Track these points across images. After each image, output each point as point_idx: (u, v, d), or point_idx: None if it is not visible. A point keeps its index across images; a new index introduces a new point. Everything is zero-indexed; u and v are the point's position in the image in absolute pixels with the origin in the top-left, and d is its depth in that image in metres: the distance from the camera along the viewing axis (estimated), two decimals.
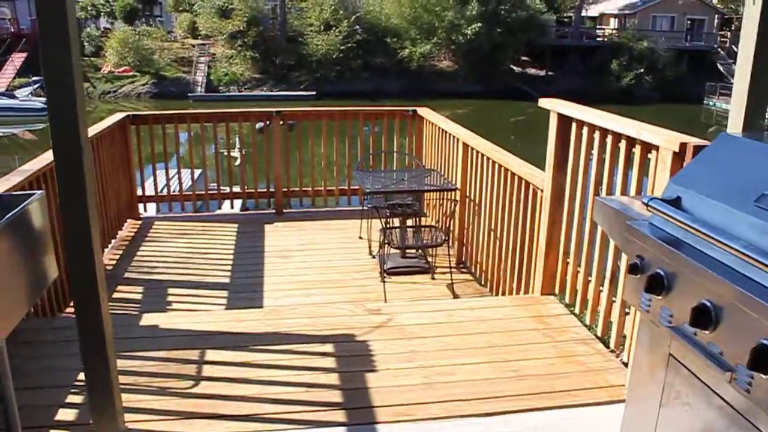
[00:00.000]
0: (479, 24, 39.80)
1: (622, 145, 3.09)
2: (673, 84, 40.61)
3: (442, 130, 6.03)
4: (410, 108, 6.92)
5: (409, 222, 5.53)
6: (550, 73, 43.65)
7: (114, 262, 5.69)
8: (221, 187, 7.04)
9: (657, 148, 2.75)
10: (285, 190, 7.01)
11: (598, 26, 50.53)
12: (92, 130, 5.63)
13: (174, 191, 7.03)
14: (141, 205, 6.90)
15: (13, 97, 34.77)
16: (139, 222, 6.73)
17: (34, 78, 38.88)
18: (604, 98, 32.82)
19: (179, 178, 6.92)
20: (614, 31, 47.15)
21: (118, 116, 6.46)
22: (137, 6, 47.96)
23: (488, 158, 4.73)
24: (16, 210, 2.01)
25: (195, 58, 42.00)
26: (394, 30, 41.73)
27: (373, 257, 5.69)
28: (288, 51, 40.53)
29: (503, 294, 4.57)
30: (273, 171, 6.91)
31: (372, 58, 41.17)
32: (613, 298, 3.25)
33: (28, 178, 3.68)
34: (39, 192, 2.20)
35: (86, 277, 2.10)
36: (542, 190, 3.82)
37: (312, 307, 4.09)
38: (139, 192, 6.88)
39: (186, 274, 5.39)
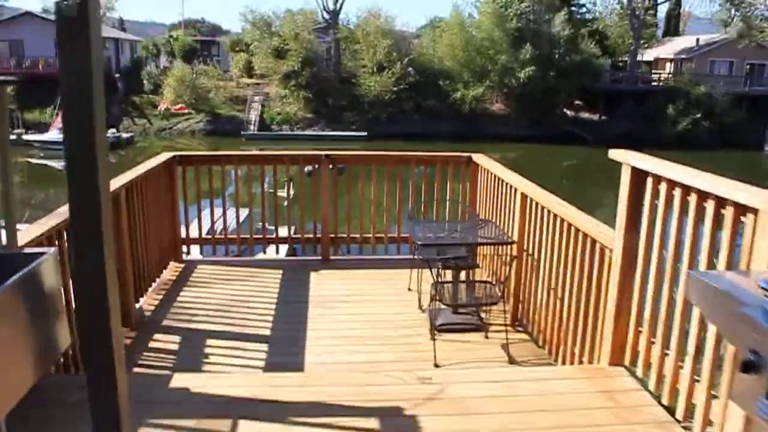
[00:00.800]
0: (532, 68, 39.59)
1: (709, 205, 2.73)
2: (732, 130, 39.51)
3: (499, 178, 5.72)
4: (465, 154, 6.64)
5: (462, 276, 5.19)
6: (603, 117, 43.01)
7: (153, 307, 5.49)
8: (267, 231, 6.85)
9: (756, 211, 2.39)
10: (332, 235, 6.76)
11: (653, 71, 49.78)
12: (138, 170, 5.50)
13: (219, 233, 6.86)
14: (185, 248, 6.74)
15: None
16: (182, 265, 6.55)
17: None
18: (660, 143, 32.08)
19: (224, 220, 6.76)
20: (670, 76, 46.39)
21: (165, 156, 6.33)
22: (196, 46, 49.21)
23: (550, 211, 4.39)
24: (23, 271, 1.77)
25: (249, 97, 42.73)
26: (446, 72, 41.80)
27: (423, 311, 5.37)
28: (341, 92, 40.93)
29: (563, 359, 4.18)
30: (320, 216, 6.69)
31: (424, 100, 41.25)
32: (697, 378, 2.86)
33: (47, 232, 3.44)
34: (51, 250, 1.97)
35: (101, 351, 1.84)
36: (611, 250, 3.47)
37: (357, 374, 3.76)
38: (183, 234, 6.72)
39: (226, 323, 5.14)
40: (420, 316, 5.32)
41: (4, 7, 56.24)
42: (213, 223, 6.77)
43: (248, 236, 6.81)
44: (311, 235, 6.83)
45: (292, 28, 42.33)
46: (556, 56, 40.94)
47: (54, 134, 35.33)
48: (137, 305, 5.35)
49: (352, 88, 41.19)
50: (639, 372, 3.30)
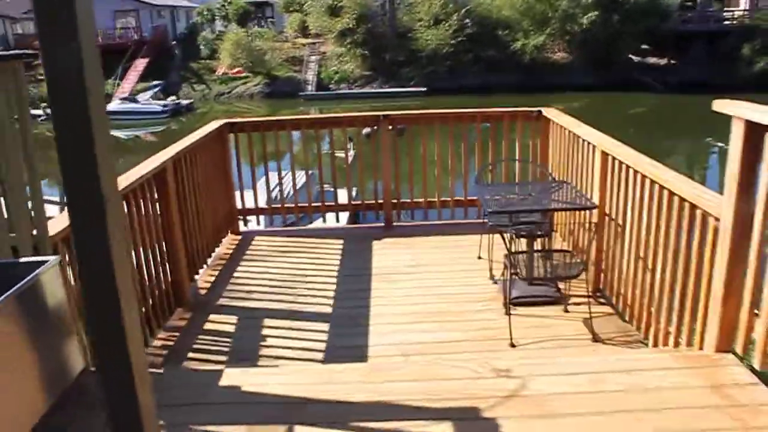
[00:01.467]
0: (595, 12, 37.82)
1: None
2: None
3: (574, 134, 5.20)
4: (534, 108, 6.12)
5: (538, 245, 4.74)
6: (672, 61, 40.94)
7: (209, 284, 5.23)
8: (326, 197, 6.50)
9: None
10: (395, 201, 6.38)
11: (725, 8, 46.98)
12: (187, 141, 5.22)
13: (276, 202, 6.55)
14: (241, 218, 6.47)
15: (135, 101, 36.19)
16: (239, 237, 6.29)
17: (155, 82, 40.39)
18: (734, 87, 30.34)
19: (280, 188, 6.44)
20: (745, 13, 43.67)
21: (215, 124, 6.03)
22: (250, 9, 48.92)
23: (637, 172, 3.87)
24: (20, 284, 1.45)
25: (306, 57, 42.32)
26: (505, 22, 40.34)
27: (495, 282, 4.96)
28: (397, 47, 40.07)
29: (656, 340, 3.71)
30: (382, 180, 6.30)
31: (483, 51, 40.01)
32: None
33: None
34: (52, 258, 1.64)
35: (118, 377, 1.51)
36: (718, 219, 2.97)
37: (425, 367, 3.38)
38: (239, 204, 6.44)
39: (285, 301, 4.85)
40: (491, 287, 4.92)
41: None
42: (269, 191, 6.46)
43: (307, 204, 6.49)
44: (372, 201, 6.46)
45: None
46: None
47: (116, 105, 35.77)
48: (192, 284, 5.11)
49: (408, 43, 40.25)
50: (756, 363, 2.82)
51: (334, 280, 5.19)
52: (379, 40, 40.56)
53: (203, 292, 5.11)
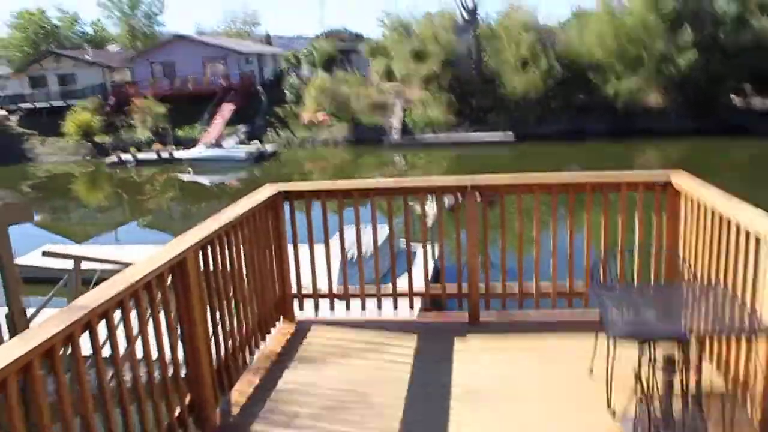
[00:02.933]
0: (694, 52, 35.66)
1: None
2: None
3: (723, 217, 3.86)
4: (659, 172, 4.82)
5: (680, 374, 3.42)
6: None
7: (246, 398, 4.15)
8: (397, 275, 5.35)
9: None
10: (483, 290, 5.17)
11: None
12: (224, 217, 4.21)
13: (337, 287, 5.44)
14: (296, 303, 5.42)
15: (220, 146, 36.45)
16: (293, 327, 5.22)
17: (241, 127, 40.76)
18: None
19: (344, 269, 5.35)
20: None
21: (267, 191, 5.02)
22: (336, 54, 49.14)
23: None
24: None
25: (390, 102, 41.80)
26: (596, 65, 38.54)
27: (617, 420, 3.66)
28: (484, 92, 39.06)
29: None
30: (467, 263, 5.12)
31: (572, 96, 38.43)
32: None
33: None
34: None
35: None
36: None
37: None
38: (295, 288, 5.38)
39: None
40: (610, 425, 3.62)
41: (163, 34, 59.39)
42: (330, 271, 5.37)
43: (375, 293, 5.36)
44: (455, 289, 5.27)
45: (431, 29, 41.00)
46: (721, 37, 36.67)
47: (201, 150, 36.09)
48: (224, 398, 4.04)
49: (495, 88, 39.15)
50: None
51: (402, 401, 4.01)
52: (465, 85, 39.68)
53: (236, 410, 4.02)
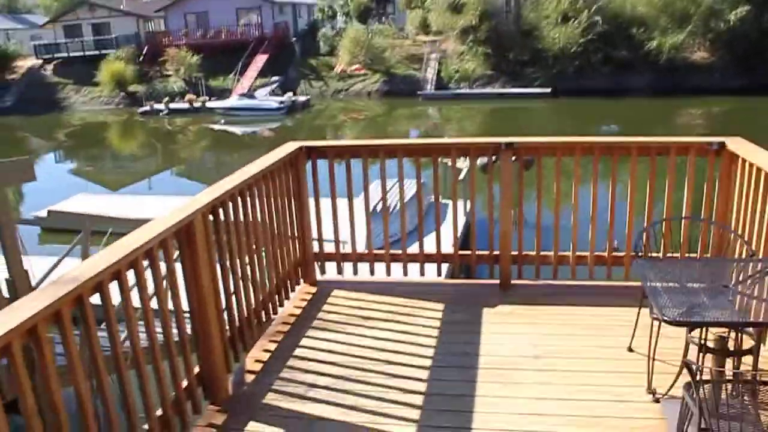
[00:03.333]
0: (746, 7, 34.13)
1: None
2: None
3: None
4: (714, 139, 4.43)
5: (734, 363, 3.10)
6: None
7: (262, 364, 3.95)
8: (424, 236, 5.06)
9: None
10: (515, 253, 4.87)
11: None
12: (241, 175, 3.98)
13: (362, 249, 5.18)
14: (318, 265, 5.18)
15: (253, 97, 36.18)
16: (314, 290, 4.99)
17: (274, 78, 40.36)
18: None
19: (368, 229, 5.08)
20: None
21: (289, 147, 4.75)
22: (371, 5, 48.19)
23: None
24: None
25: (426, 54, 40.98)
26: (640, 19, 37.17)
27: (657, 401, 3.38)
28: (522, 46, 37.94)
29: None
30: (499, 225, 4.82)
31: (614, 51, 37.16)
32: None
33: None
34: None
35: None
36: None
37: None
38: (316, 248, 5.14)
39: (355, 407, 3.47)
40: (652, 408, 3.34)
41: None
42: (353, 230, 5.10)
43: (401, 252, 5.08)
44: (486, 251, 4.97)
45: None
46: None
47: (234, 101, 35.89)
48: (238, 365, 3.84)
49: (534, 42, 38.00)
50: None
51: (427, 372, 3.77)
52: (502, 39, 38.57)
53: (251, 378, 3.82)
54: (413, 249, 5.10)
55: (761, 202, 3.82)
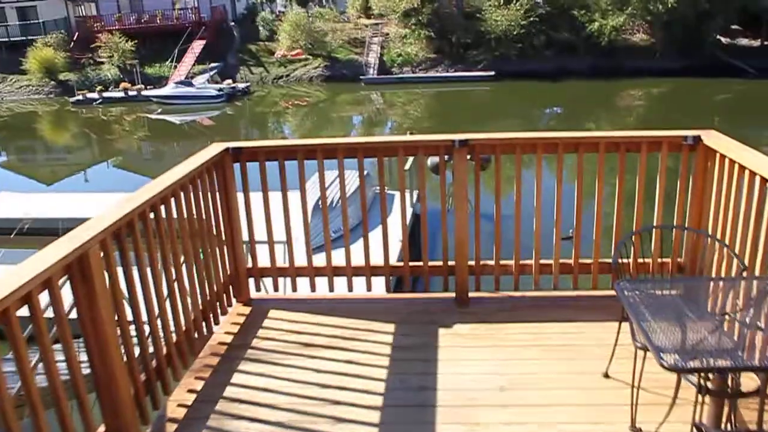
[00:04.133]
0: None
1: None
2: None
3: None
4: (688, 133, 3.99)
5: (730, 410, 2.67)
6: (766, 43, 37.11)
7: (184, 412, 3.35)
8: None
9: None
10: (472, 263, 4.37)
11: None
12: (166, 179, 3.35)
13: (300, 260, 4.61)
14: (252, 281, 4.59)
15: (190, 85, 35.07)
16: (248, 310, 4.40)
17: (212, 64, 39.12)
18: None
19: (307, 239, 4.51)
20: None
21: (213, 150, 4.15)
22: None
23: None
24: None
25: (368, 38, 40.32)
26: (581, 1, 37.25)
27: None
28: (465, 28, 37.61)
29: None
30: (453, 233, 4.30)
31: (556, 33, 37.18)
32: None
33: None
34: None
35: None
36: None
37: None
38: (250, 262, 4.55)
39: None
40: None
41: None
42: (290, 240, 4.52)
43: (345, 265, 4.53)
44: (439, 263, 4.45)
45: None
46: None
47: (171, 88, 34.69)
48: (151, 422, 3.25)
49: (476, 24, 37.69)
50: None
51: (378, 415, 3.24)
52: (445, 21, 38.17)
53: (173, 428, 3.22)
54: (359, 259, 4.54)
55: (745, 204, 3.40)
